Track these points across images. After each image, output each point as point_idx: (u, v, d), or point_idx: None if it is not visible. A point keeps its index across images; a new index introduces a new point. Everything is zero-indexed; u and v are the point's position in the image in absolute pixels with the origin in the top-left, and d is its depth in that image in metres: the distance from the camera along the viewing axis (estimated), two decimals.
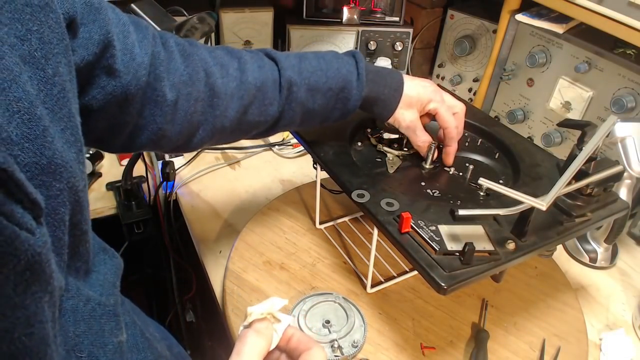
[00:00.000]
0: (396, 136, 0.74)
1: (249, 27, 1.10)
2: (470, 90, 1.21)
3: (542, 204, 0.53)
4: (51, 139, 0.31)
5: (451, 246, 0.55)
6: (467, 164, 0.71)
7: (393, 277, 0.75)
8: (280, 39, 1.18)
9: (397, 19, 1.17)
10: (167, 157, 1.00)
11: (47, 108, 0.32)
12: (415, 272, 0.75)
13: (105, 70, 0.43)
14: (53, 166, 0.31)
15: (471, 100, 1.18)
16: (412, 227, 0.57)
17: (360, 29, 1.15)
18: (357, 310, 0.68)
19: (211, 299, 0.78)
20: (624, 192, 0.78)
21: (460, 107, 0.70)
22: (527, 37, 1.00)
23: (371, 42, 1.16)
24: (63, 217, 0.33)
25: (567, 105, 0.95)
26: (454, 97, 0.71)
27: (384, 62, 0.98)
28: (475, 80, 1.19)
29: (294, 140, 1.06)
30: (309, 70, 0.60)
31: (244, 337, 0.39)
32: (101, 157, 0.98)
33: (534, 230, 0.58)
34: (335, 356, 0.62)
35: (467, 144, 0.78)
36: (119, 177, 0.92)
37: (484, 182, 0.56)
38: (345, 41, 1.16)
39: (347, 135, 0.74)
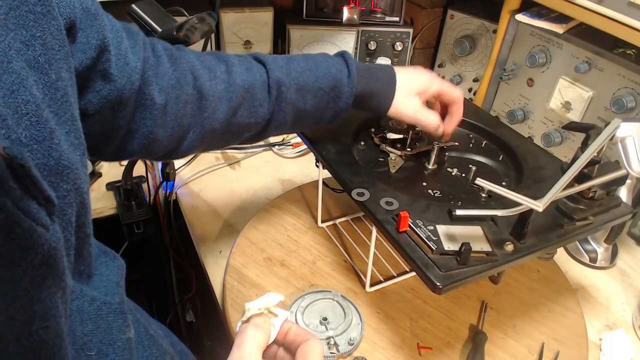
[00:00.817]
0: (400, 136, 0.74)
1: (249, 27, 1.10)
2: (470, 90, 1.21)
3: (538, 205, 0.53)
4: (58, 141, 0.32)
5: (448, 246, 0.55)
6: (470, 165, 0.71)
7: (393, 277, 0.75)
8: (280, 39, 1.18)
9: (397, 19, 1.17)
10: None
11: (52, 111, 0.33)
12: (415, 272, 0.75)
13: (101, 74, 0.44)
14: (60, 167, 0.32)
15: (471, 100, 1.18)
16: (410, 227, 0.57)
17: (360, 29, 1.15)
18: (355, 309, 0.69)
19: (211, 299, 0.78)
20: (624, 192, 0.78)
21: (458, 89, 0.70)
22: (527, 37, 1.00)
23: (371, 42, 1.16)
24: (70, 218, 0.34)
25: (567, 105, 0.95)
26: None
27: (384, 62, 0.99)
28: (475, 80, 1.19)
29: (294, 140, 1.06)
30: (298, 71, 0.60)
31: (243, 331, 0.41)
32: None
33: (534, 233, 0.58)
34: (331, 353, 0.62)
35: (471, 145, 0.78)
36: (119, 177, 0.93)
37: (481, 183, 0.56)
38: (345, 41, 1.16)
39: (350, 134, 0.74)
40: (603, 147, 0.61)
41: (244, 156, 1.05)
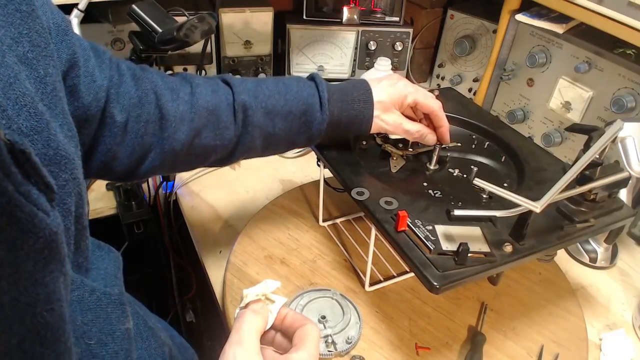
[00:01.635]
0: (402, 136, 0.74)
1: (249, 27, 1.10)
2: (470, 90, 1.21)
3: (536, 206, 0.53)
4: (54, 132, 0.33)
5: (446, 246, 0.55)
6: (471, 166, 0.71)
7: (392, 277, 0.75)
8: (280, 39, 1.18)
9: (397, 19, 1.17)
10: None
11: (45, 105, 0.35)
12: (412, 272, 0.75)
13: (70, 89, 0.44)
14: (58, 157, 0.33)
15: (471, 100, 1.18)
16: (408, 226, 0.57)
17: (360, 29, 1.15)
18: (354, 308, 0.69)
19: (211, 299, 0.78)
20: (623, 193, 0.77)
21: (431, 94, 0.69)
22: (527, 37, 0.99)
23: (371, 42, 1.16)
24: (70, 207, 0.35)
25: (567, 105, 0.95)
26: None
27: (383, 62, 0.98)
28: (475, 80, 1.19)
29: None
30: (266, 94, 0.60)
31: (241, 317, 0.42)
32: None
33: (534, 234, 0.58)
34: (329, 351, 0.62)
35: (473, 146, 0.78)
36: None
37: (479, 183, 0.56)
38: (345, 41, 1.17)
39: None
40: (605, 149, 0.61)
41: None
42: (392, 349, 0.66)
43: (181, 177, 0.98)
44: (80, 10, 0.81)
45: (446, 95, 0.85)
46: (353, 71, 1.20)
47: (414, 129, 0.67)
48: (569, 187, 0.57)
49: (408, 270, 0.76)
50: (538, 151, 0.75)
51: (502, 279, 0.68)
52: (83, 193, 0.37)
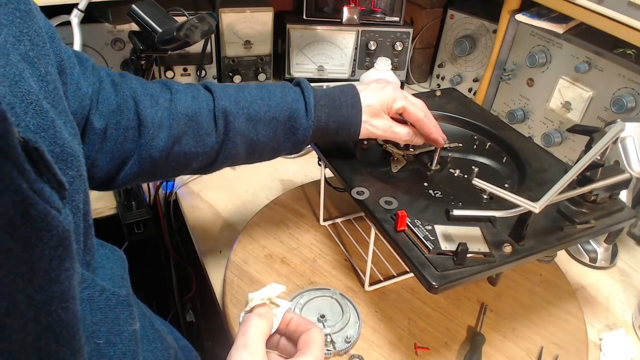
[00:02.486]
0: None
1: (249, 27, 1.10)
2: (470, 90, 1.21)
3: (535, 206, 0.53)
4: (60, 129, 0.33)
5: (445, 246, 0.55)
6: (472, 167, 0.71)
7: (392, 277, 0.75)
8: (280, 39, 1.18)
9: (397, 19, 1.17)
10: None
11: (49, 103, 0.35)
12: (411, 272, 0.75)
13: None
14: (65, 155, 0.34)
15: (472, 100, 1.18)
16: (408, 226, 0.57)
17: (360, 29, 1.15)
18: (353, 307, 0.69)
19: (211, 299, 0.78)
20: (623, 192, 0.77)
21: (419, 101, 0.68)
22: (527, 37, 0.99)
23: (371, 42, 1.16)
24: (78, 204, 0.35)
25: (567, 105, 0.95)
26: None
27: (383, 62, 0.98)
28: (475, 80, 1.19)
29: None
30: (248, 100, 0.58)
31: (247, 321, 0.42)
32: None
33: (534, 235, 0.58)
34: (328, 350, 0.62)
35: (474, 146, 0.78)
36: None
37: (478, 183, 0.56)
38: (345, 41, 1.17)
39: None
40: (607, 149, 0.60)
41: None
42: (391, 348, 0.66)
43: (181, 177, 0.98)
44: (80, 10, 0.81)
45: (448, 96, 0.85)
46: (353, 71, 1.20)
47: (404, 132, 0.66)
48: (569, 188, 0.57)
49: (408, 270, 0.76)
50: (540, 152, 0.74)
51: (502, 279, 0.68)
52: (88, 191, 0.38)
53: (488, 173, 0.73)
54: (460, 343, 0.67)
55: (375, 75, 0.94)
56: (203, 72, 1.11)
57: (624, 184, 0.62)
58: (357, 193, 0.62)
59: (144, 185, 0.96)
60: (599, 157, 0.60)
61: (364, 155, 0.74)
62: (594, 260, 0.84)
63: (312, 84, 0.64)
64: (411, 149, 0.74)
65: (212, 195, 0.95)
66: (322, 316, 0.67)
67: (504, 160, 0.75)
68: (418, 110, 0.66)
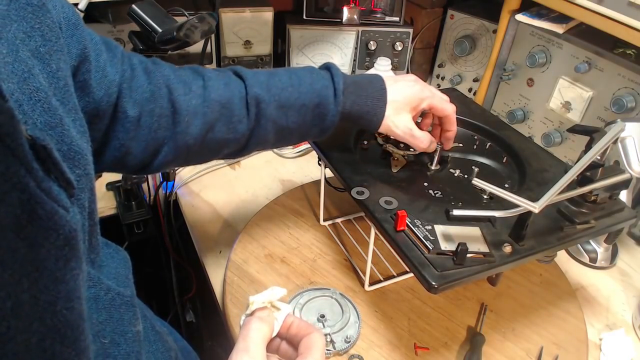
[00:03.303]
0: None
1: (249, 27, 1.10)
2: (470, 90, 1.21)
3: (534, 206, 0.53)
4: (68, 127, 0.33)
5: (445, 246, 0.55)
6: (473, 167, 0.71)
7: (392, 277, 0.75)
8: (280, 39, 1.18)
9: (397, 19, 1.17)
10: None
11: (58, 100, 0.34)
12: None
13: (80, 85, 0.44)
14: (72, 153, 0.33)
15: (473, 100, 1.18)
16: (407, 226, 0.57)
17: (360, 29, 1.15)
18: (353, 307, 0.69)
19: (211, 299, 0.78)
20: (624, 193, 0.77)
21: (446, 97, 0.69)
22: (527, 37, 0.99)
23: (371, 42, 1.16)
24: (84, 202, 0.35)
25: (567, 105, 0.95)
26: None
27: (384, 62, 0.98)
28: (475, 80, 1.19)
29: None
30: (279, 87, 0.58)
31: (248, 324, 0.42)
32: None
33: (533, 235, 0.58)
34: (327, 350, 0.62)
35: (475, 146, 0.78)
36: (119, 177, 0.93)
37: (477, 182, 0.56)
38: (345, 41, 1.16)
39: (353, 133, 0.74)
40: (607, 150, 0.60)
41: None
42: (391, 348, 0.66)
43: (181, 177, 0.98)
44: (81, 10, 0.81)
45: (448, 96, 0.85)
46: (353, 71, 1.20)
47: (424, 139, 0.66)
48: (569, 188, 0.57)
49: (408, 270, 0.76)
50: (540, 152, 0.74)
51: (502, 279, 0.68)
52: (94, 189, 0.37)
53: (488, 173, 0.73)
54: (460, 343, 0.67)
55: None
56: None
57: (624, 184, 0.62)
58: (357, 193, 0.62)
59: (144, 185, 0.96)
60: (599, 157, 0.60)
61: (364, 155, 0.74)
62: (594, 260, 0.84)
63: None
64: (411, 149, 0.74)
65: (212, 195, 0.95)
66: (322, 316, 0.67)
67: (504, 161, 0.75)
68: (447, 105, 0.66)
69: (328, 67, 0.62)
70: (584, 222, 0.61)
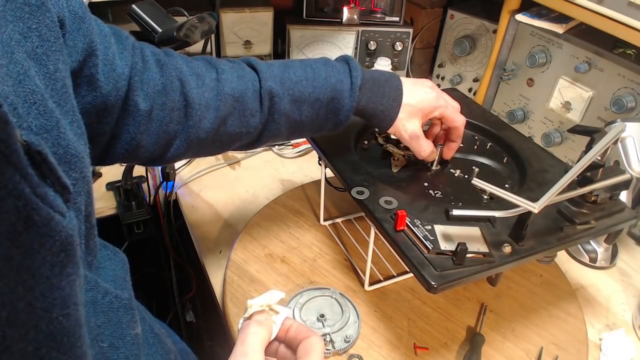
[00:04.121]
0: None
1: (249, 27, 1.10)
2: (470, 90, 1.21)
3: (534, 206, 0.53)
4: (64, 130, 0.32)
5: (445, 246, 0.55)
6: (473, 167, 0.71)
7: (392, 277, 0.75)
8: (280, 39, 1.18)
9: (397, 19, 1.17)
10: None
11: (55, 102, 0.34)
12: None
13: (87, 79, 0.43)
14: (68, 156, 0.32)
15: (473, 100, 1.18)
16: (407, 226, 0.57)
17: (360, 29, 1.15)
18: (353, 307, 0.69)
19: (211, 299, 0.78)
20: (624, 193, 0.77)
21: (458, 106, 0.70)
22: (527, 37, 0.99)
23: (371, 42, 1.16)
24: (80, 206, 0.34)
25: (567, 105, 0.95)
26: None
27: (384, 62, 0.98)
28: (475, 80, 1.19)
29: (294, 140, 1.06)
30: (293, 80, 0.57)
31: (246, 328, 0.41)
32: None
33: (533, 235, 0.58)
34: (327, 350, 0.62)
35: (475, 147, 0.78)
36: (119, 177, 0.93)
37: (477, 182, 0.56)
38: (345, 41, 1.17)
39: (354, 133, 0.74)
40: (607, 150, 0.60)
41: (244, 156, 1.05)
42: (391, 348, 0.66)
43: (181, 177, 0.98)
44: None
45: (450, 96, 0.85)
46: None
47: (427, 148, 0.66)
48: (569, 188, 0.57)
49: (407, 270, 0.76)
50: (540, 152, 0.74)
51: (501, 280, 0.68)
52: (91, 191, 0.37)
53: (488, 173, 0.73)
54: (460, 343, 0.67)
55: None
56: None
57: (624, 185, 0.62)
58: (357, 193, 0.62)
59: (144, 185, 0.96)
60: (599, 158, 0.60)
61: (364, 155, 0.74)
62: (594, 260, 0.84)
63: None
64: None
65: (212, 195, 0.95)
66: (322, 316, 0.67)
67: (504, 161, 0.75)
68: (459, 116, 0.67)
69: (347, 61, 0.61)
70: (584, 223, 0.60)
